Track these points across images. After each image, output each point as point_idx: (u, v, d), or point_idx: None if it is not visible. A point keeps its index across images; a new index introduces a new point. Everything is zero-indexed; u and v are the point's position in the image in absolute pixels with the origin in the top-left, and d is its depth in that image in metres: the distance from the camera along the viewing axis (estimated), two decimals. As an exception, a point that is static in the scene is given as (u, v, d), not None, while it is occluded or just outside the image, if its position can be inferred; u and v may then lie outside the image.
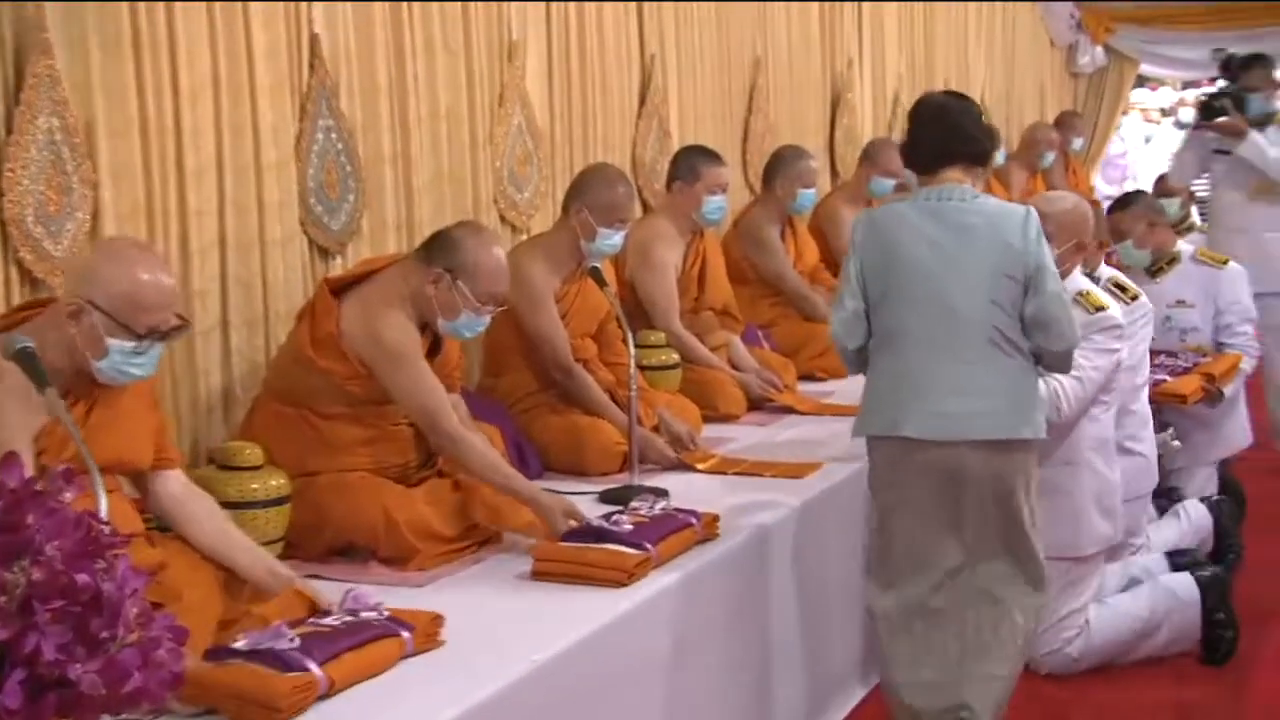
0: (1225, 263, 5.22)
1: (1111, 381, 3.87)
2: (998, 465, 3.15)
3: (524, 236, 4.46)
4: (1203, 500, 4.79)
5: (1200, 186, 7.29)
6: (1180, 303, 5.15)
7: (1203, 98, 6.60)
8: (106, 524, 1.71)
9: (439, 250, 3.24)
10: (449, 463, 3.29)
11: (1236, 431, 5.14)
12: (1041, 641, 3.81)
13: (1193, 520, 4.68)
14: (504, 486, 3.17)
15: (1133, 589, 4.14)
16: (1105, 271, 4.41)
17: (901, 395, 3.16)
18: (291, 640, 2.34)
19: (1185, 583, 4.13)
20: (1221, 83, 6.40)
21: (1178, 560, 4.28)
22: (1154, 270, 5.15)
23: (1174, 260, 5.20)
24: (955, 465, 3.14)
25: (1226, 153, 6.25)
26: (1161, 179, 6.93)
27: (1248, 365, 5.12)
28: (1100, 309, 3.77)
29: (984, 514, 3.18)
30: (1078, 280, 3.83)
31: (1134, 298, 4.31)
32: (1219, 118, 6.20)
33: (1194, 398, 4.75)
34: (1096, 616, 4.01)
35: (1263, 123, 6.21)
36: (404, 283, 3.24)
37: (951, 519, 3.18)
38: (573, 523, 3.11)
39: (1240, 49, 7.19)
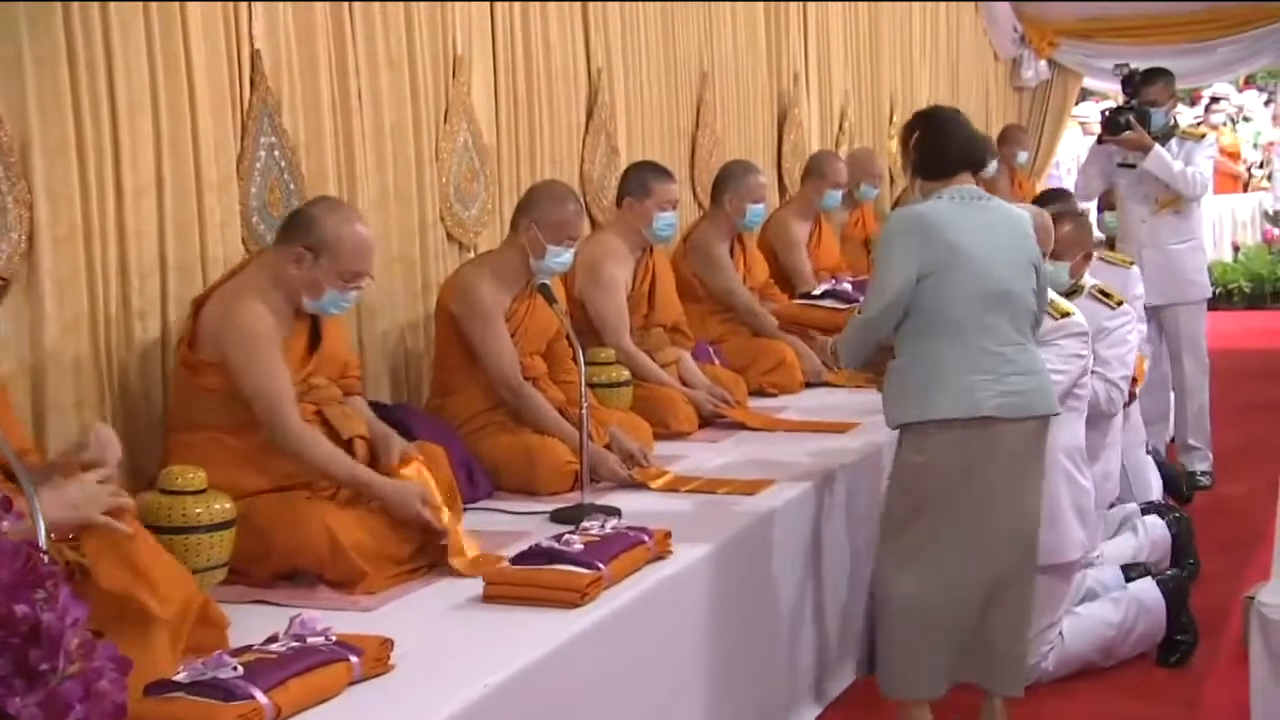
0: (1131, 264, 5.46)
1: (1078, 389, 3.95)
2: (1042, 439, 3.45)
3: (471, 254, 4.45)
4: (1157, 513, 4.83)
5: None
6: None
7: (1106, 112, 6.75)
8: (45, 552, 1.67)
9: (297, 229, 3.22)
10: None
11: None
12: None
13: (1150, 534, 4.73)
14: (349, 480, 3.14)
15: (1105, 597, 4.19)
16: (1089, 280, 4.52)
17: (973, 378, 3.33)
18: (235, 668, 2.31)
19: (1149, 588, 4.21)
20: (1122, 98, 6.57)
21: (1131, 575, 4.34)
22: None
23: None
24: (1021, 443, 3.38)
25: (1131, 166, 6.40)
26: (1107, 193, 7.02)
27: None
28: (1066, 315, 3.90)
29: (1035, 488, 3.45)
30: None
31: (1119, 304, 4.44)
32: (1123, 132, 6.35)
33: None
34: (1070, 627, 4.07)
35: (1165, 136, 6.37)
36: (263, 271, 3.22)
37: (1014, 497, 3.40)
38: (428, 511, 3.11)
39: (1171, 63, 7.40)
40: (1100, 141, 6.73)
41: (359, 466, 3.19)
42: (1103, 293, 4.47)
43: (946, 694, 3.50)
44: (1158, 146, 6.30)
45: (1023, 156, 8.61)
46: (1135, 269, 5.49)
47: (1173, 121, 6.50)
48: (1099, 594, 4.23)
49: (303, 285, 3.19)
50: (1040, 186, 9.31)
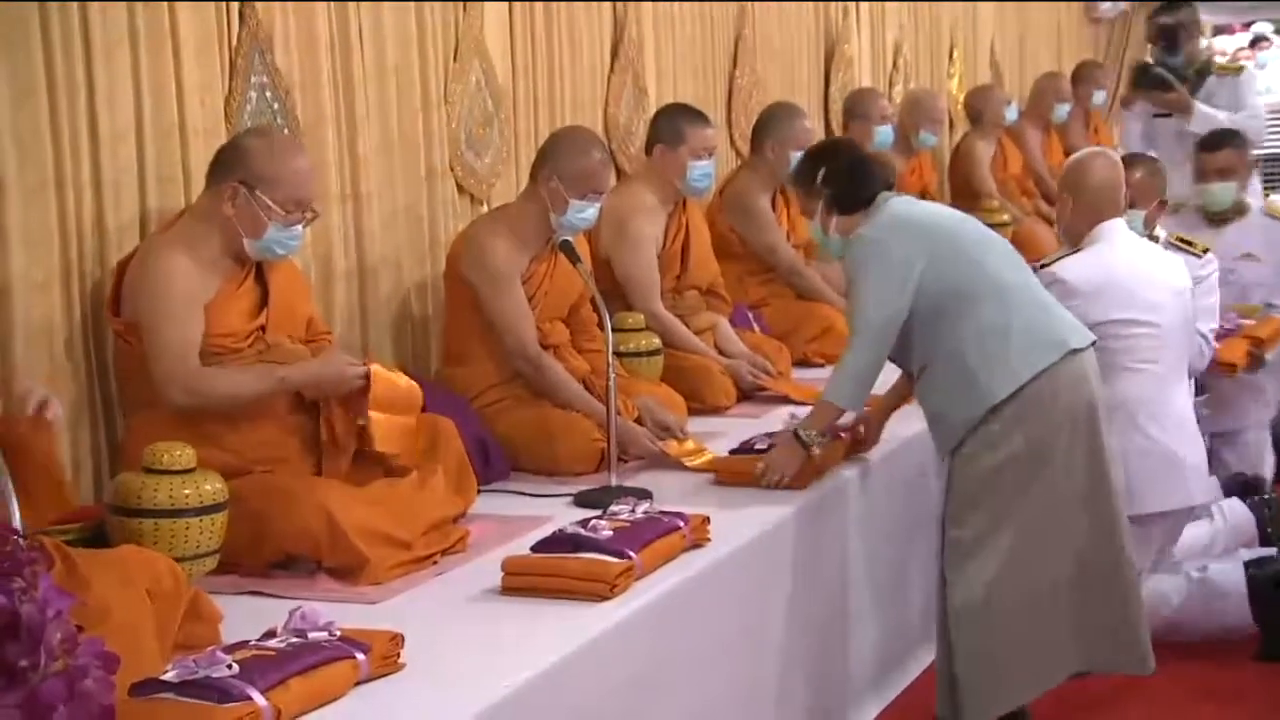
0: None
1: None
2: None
3: (484, 208, 4.45)
4: (1243, 499, 4.82)
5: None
6: (1247, 256, 5.32)
7: (1136, 64, 7.15)
8: (24, 538, 1.68)
9: (227, 164, 3.23)
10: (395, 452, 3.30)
11: None
12: None
13: (1228, 519, 4.71)
14: (273, 387, 3.18)
15: (1180, 573, 4.27)
16: (1161, 232, 4.60)
17: (1039, 319, 3.49)
18: (230, 666, 2.32)
19: (1227, 572, 4.26)
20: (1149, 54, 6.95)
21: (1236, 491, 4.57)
22: (1217, 219, 5.31)
23: (1241, 211, 5.42)
24: (1095, 370, 3.53)
25: (1166, 115, 6.67)
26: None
27: None
28: (1043, 267, 4.10)
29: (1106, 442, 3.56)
30: None
31: (1204, 251, 4.57)
32: (1158, 86, 6.62)
33: (1243, 365, 4.89)
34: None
35: (1201, 73, 6.58)
36: (194, 219, 3.23)
37: (1091, 468, 3.50)
38: (359, 366, 3.19)
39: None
40: (1125, 105, 7.15)
41: (275, 368, 3.20)
42: (1184, 240, 4.58)
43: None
44: (1199, 106, 6.50)
45: (1099, 97, 8.53)
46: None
47: (1206, 57, 6.74)
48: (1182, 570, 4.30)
49: (242, 225, 3.20)
50: (1120, 129, 9.23)
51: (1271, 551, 4.43)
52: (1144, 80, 6.70)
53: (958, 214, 3.77)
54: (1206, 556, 4.43)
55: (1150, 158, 4.87)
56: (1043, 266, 4.15)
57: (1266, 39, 13.34)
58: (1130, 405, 4.04)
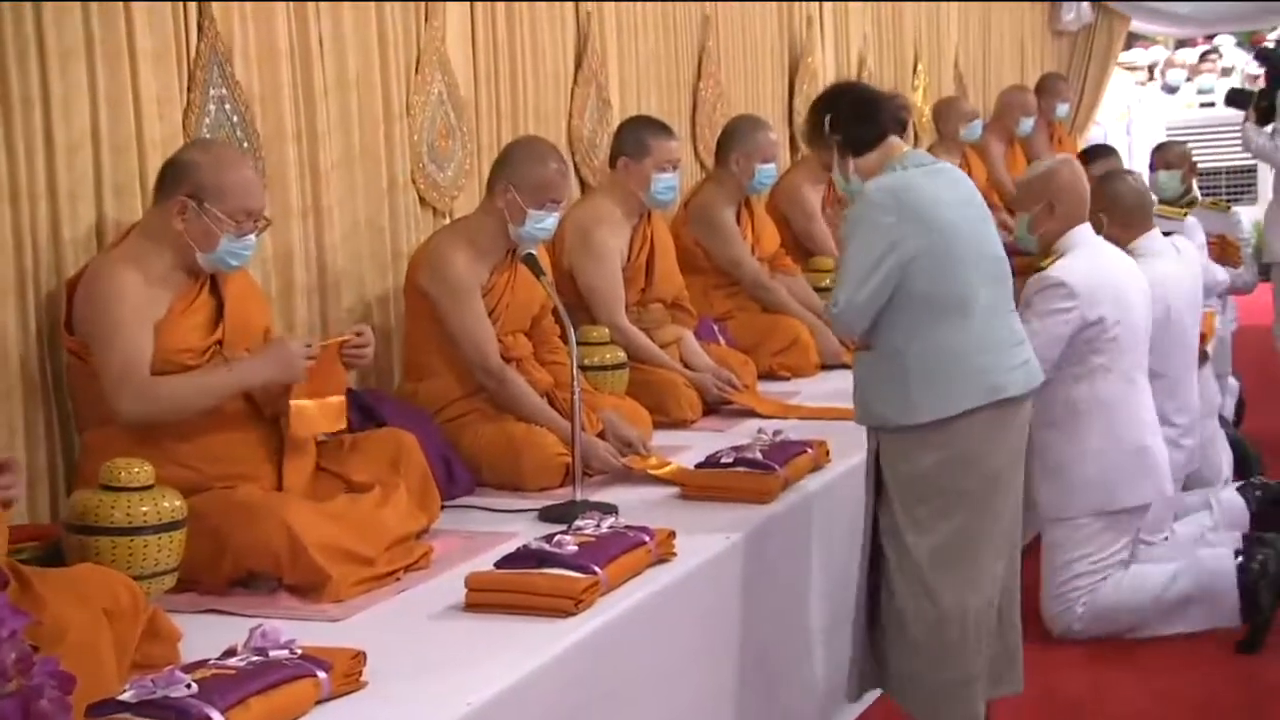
0: (1185, 215, 5.97)
1: (1083, 343, 4.26)
2: (1029, 411, 3.56)
3: (446, 220, 4.44)
4: (1236, 487, 5.10)
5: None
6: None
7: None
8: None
9: (173, 179, 3.22)
10: (360, 468, 3.30)
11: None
12: (1052, 601, 4.36)
13: (1224, 508, 4.93)
14: (224, 386, 3.16)
15: (1165, 561, 4.47)
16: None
17: (987, 359, 3.39)
18: (189, 686, 2.30)
19: (1220, 556, 4.42)
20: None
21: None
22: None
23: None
24: (1026, 416, 3.52)
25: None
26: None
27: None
28: (1039, 270, 4.26)
29: (1022, 463, 3.55)
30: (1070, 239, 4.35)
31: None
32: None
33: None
34: (1112, 582, 4.35)
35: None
36: (144, 236, 3.22)
37: (1018, 474, 3.52)
38: (310, 348, 3.21)
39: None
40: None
41: (219, 365, 3.19)
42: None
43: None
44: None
45: (1062, 109, 8.62)
46: (1191, 219, 5.91)
47: None
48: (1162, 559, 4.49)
49: (193, 239, 3.19)
50: (1082, 143, 9.32)
51: (1264, 536, 4.60)
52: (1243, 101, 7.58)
53: (966, 202, 3.48)
54: (1202, 544, 4.62)
55: (1128, 171, 5.25)
56: (1038, 270, 4.29)
57: (1216, 51, 13.48)
58: (1109, 403, 4.29)
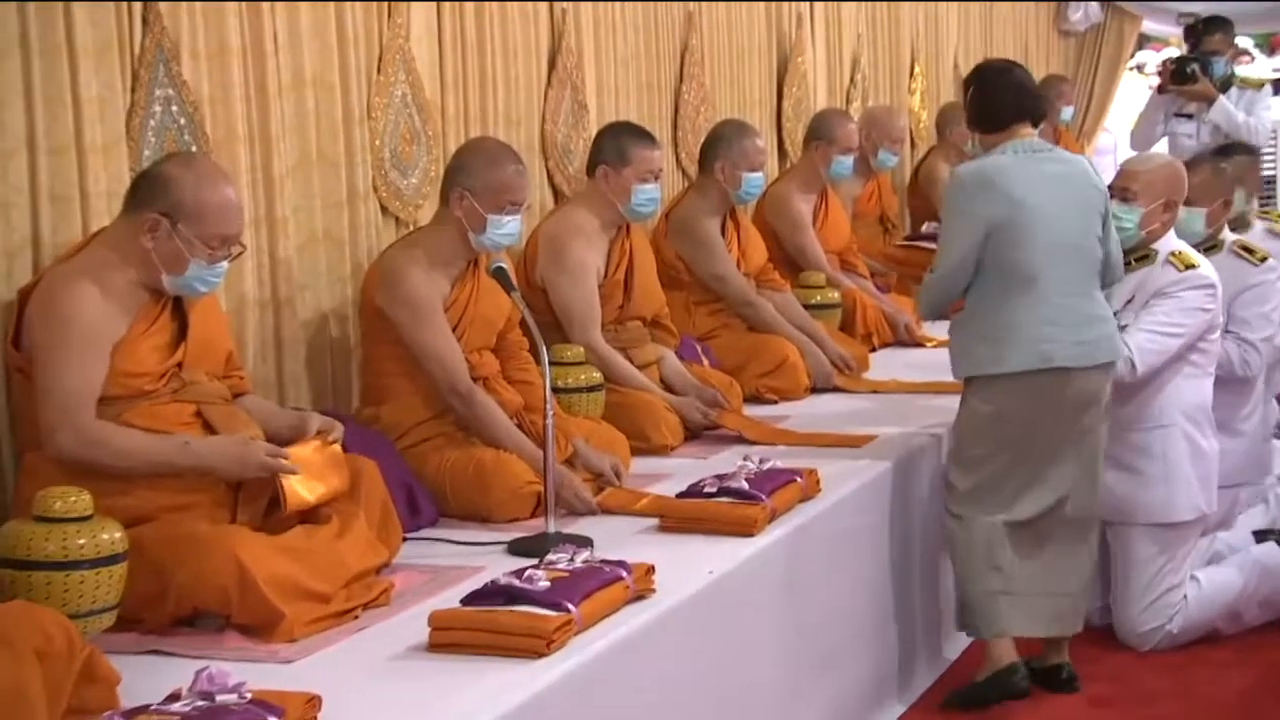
0: None
1: (1204, 345, 4.55)
2: (1104, 384, 4.23)
3: (410, 230, 4.44)
4: None
5: None
6: None
7: (1170, 61, 8.01)
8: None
9: (149, 193, 3.21)
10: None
11: None
12: (1140, 619, 4.60)
13: None
14: (174, 461, 3.15)
15: (1224, 561, 4.80)
16: (1229, 235, 5.05)
17: (1046, 330, 4.09)
18: (130, 733, 2.30)
19: (1274, 552, 4.78)
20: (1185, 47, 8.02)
21: (1263, 537, 4.93)
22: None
23: (1245, 224, 5.81)
24: (1089, 388, 4.15)
25: (1189, 116, 7.71)
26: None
27: None
28: (1191, 266, 4.54)
29: (1095, 431, 4.22)
30: (1170, 240, 4.60)
31: (1263, 259, 4.93)
32: (1190, 82, 7.63)
33: None
34: (1194, 592, 4.63)
35: (1223, 86, 7.69)
36: (107, 249, 3.21)
37: (1078, 440, 4.17)
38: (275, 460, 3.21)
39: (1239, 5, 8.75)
40: (1161, 90, 7.97)
41: (178, 438, 3.17)
42: (1245, 248, 4.96)
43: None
44: (1222, 98, 7.54)
45: (1067, 113, 8.68)
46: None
47: (1230, 71, 7.76)
48: (1225, 556, 4.81)
49: (161, 260, 3.18)
50: (1090, 149, 9.38)
51: None
52: (1181, 76, 7.71)
53: (1059, 188, 4.14)
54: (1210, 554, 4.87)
55: (1213, 157, 5.32)
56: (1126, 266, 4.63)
57: (1248, 53, 13.59)
58: (1203, 404, 4.60)
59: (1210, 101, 7.75)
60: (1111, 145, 11.43)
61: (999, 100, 4.24)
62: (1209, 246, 4.88)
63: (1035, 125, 4.27)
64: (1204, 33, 7.98)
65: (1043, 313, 4.09)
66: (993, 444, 4.17)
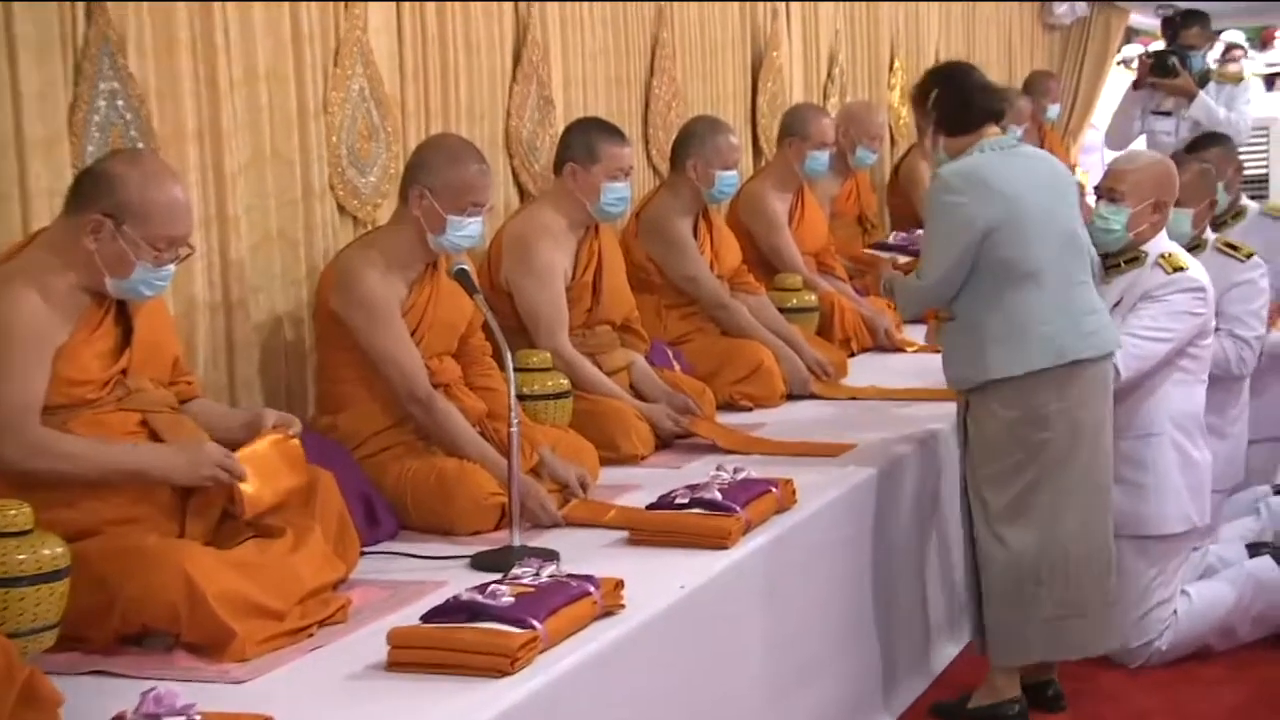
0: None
1: (1194, 350, 4.56)
2: (1111, 372, 4.25)
3: (368, 229, 4.42)
4: None
5: None
6: None
7: (1147, 55, 8.16)
8: None
9: (92, 192, 3.18)
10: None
11: None
12: (1129, 635, 4.56)
13: (1274, 513, 5.19)
14: (118, 469, 3.15)
15: (1216, 575, 4.82)
16: (1210, 235, 5.08)
17: (1060, 323, 4.11)
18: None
19: (1268, 566, 4.79)
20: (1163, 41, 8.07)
21: (1257, 551, 4.94)
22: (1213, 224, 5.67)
23: (1238, 214, 6.04)
24: (1101, 377, 4.20)
25: (1167, 114, 7.83)
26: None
27: None
28: (1179, 269, 4.56)
29: (1109, 428, 4.22)
30: (1160, 242, 4.61)
31: (1249, 256, 5.01)
32: (1171, 76, 7.80)
33: None
34: (1185, 606, 4.66)
35: (1201, 81, 7.85)
36: (47, 250, 3.18)
37: (1095, 437, 4.17)
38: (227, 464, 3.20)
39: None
40: (1137, 86, 8.08)
41: (123, 446, 3.16)
42: (1230, 245, 5.04)
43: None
44: (1202, 93, 7.66)
45: (1053, 111, 8.73)
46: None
47: (1207, 65, 7.90)
48: (1219, 571, 4.77)
49: (105, 263, 3.16)
50: (1076, 148, 9.42)
51: None
52: (1162, 70, 7.85)
53: (1040, 181, 4.19)
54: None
55: (1199, 157, 5.40)
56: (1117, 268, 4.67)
57: (1240, 47, 13.69)
58: (1196, 412, 4.61)
59: (1190, 97, 7.83)
60: (1099, 143, 11.48)
61: (970, 102, 4.25)
62: (1193, 246, 4.92)
63: (998, 124, 4.29)
64: (1181, 26, 8.04)
65: (1052, 306, 4.11)
66: (1022, 450, 4.13)
